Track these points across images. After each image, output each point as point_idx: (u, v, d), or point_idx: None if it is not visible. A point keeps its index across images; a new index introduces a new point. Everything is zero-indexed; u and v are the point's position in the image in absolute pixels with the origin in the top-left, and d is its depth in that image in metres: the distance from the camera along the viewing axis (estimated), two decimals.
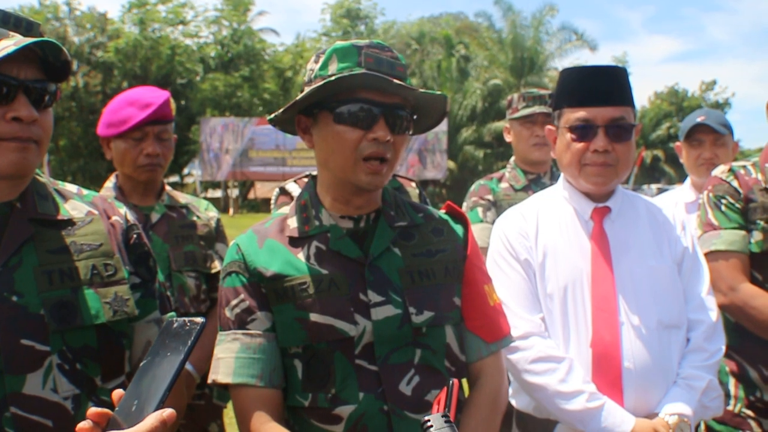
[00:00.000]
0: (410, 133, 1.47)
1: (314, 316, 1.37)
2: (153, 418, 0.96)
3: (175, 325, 1.07)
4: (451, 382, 1.15)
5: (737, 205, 2.13)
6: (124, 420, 0.98)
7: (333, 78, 1.34)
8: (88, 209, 1.39)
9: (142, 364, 1.05)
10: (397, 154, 1.43)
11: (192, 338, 1.02)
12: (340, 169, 1.41)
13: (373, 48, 1.41)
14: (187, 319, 1.06)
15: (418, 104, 1.46)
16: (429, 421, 1.09)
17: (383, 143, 1.38)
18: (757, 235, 2.08)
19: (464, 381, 1.49)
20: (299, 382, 1.40)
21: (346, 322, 1.37)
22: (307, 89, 1.40)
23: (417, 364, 1.40)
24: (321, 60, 1.43)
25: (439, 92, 1.43)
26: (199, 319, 1.05)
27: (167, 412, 0.97)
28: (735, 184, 2.15)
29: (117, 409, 1.01)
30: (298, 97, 1.41)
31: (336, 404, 1.36)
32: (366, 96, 1.37)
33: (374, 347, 1.38)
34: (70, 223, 1.33)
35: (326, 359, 1.38)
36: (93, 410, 1.00)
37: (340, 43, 1.42)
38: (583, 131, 1.80)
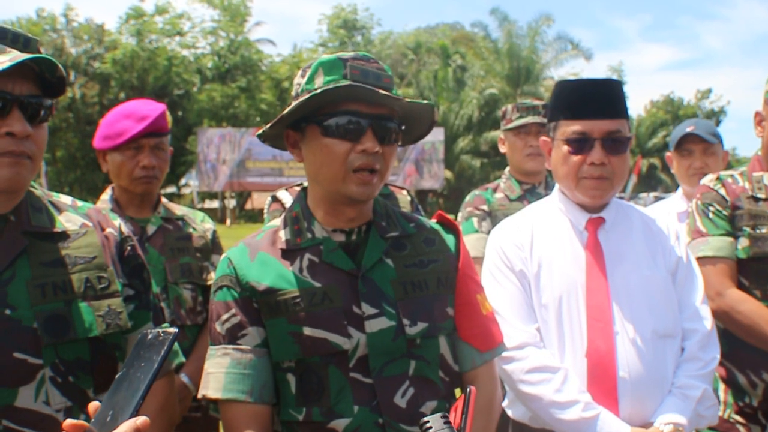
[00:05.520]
0: (399, 143, 1.46)
1: (307, 330, 1.36)
2: (126, 426, 0.97)
3: (149, 336, 1.08)
4: (469, 389, 1.14)
5: (724, 213, 2.17)
6: (100, 430, 1.00)
7: (318, 91, 1.33)
8: (82, 221, 1.39)
9: (117, 375, 1.06)
10: (387, 164, 1.42)
11: (165, 347, 1.04)
12: (330, 181, 1.40)
13: (358, 60, 1.40)
14: (160, 329, 1.08)
15: (406, 114, 1.45)
16: (428, 422, 1.07)
17: (372, 154, 1.37)
18: (743, 242, 2.12)
19: (457, 390, 1.49)
20: (293, 396, 1.38)
21: (340, 335, 1.36)
22: (294, 103, 1.39)
23: (412, 376, 1.39)
24: (307, 74, 1.42)
25: (425, 101, 1.42)
26: (172, 329, 1.07)
27: (141, 419, 0.98)
28: (722, 192, 2.20)
29: (93, 420, 1.03)
30: (284, 112, 1.40)
31: (331, 418, 1.35)
32: (353, 108, 1.36)
33: (369, 360, 1.37)
34: (64, 235, 1.34)
35: (320, 373, 1.36)
36: (69, 422, 1.01)
37: (325, 57, 1.41)
38: (579, 144, 1.81)
